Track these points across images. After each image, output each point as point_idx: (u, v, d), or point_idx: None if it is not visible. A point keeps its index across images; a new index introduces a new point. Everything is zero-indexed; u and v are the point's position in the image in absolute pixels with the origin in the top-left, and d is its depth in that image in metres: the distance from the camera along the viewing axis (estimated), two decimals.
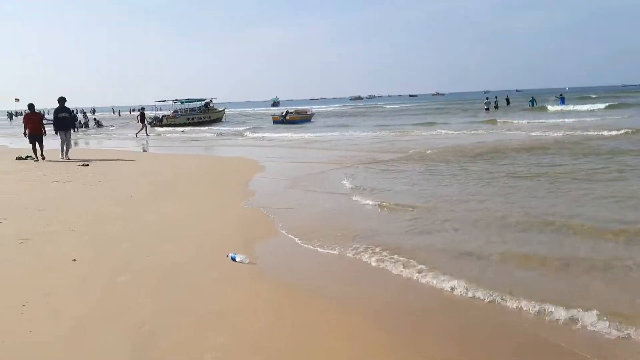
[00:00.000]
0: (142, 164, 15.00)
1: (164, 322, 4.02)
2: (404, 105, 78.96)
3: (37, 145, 15.92)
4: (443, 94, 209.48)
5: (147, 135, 31.64)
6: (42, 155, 15.98)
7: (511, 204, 7.90)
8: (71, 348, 3.59)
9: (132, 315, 4.12)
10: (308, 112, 45.77)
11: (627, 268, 4.96)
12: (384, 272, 5.20)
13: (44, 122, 16.79)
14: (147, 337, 3.74)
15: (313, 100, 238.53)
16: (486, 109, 44.84)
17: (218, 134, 31.91)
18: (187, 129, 36.75)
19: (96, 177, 11.93)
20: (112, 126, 44.28)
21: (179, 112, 45.78)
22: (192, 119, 44.57)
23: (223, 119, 47.97)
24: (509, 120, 30.75)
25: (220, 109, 49.70)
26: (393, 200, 8.43)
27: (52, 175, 12.18)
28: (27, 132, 15.99)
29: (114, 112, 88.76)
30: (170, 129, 38.96)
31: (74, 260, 5.53)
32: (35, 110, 16.48)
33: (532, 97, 49.90)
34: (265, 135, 29.07)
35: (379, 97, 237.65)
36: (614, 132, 18.41)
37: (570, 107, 41.39)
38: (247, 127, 37.27)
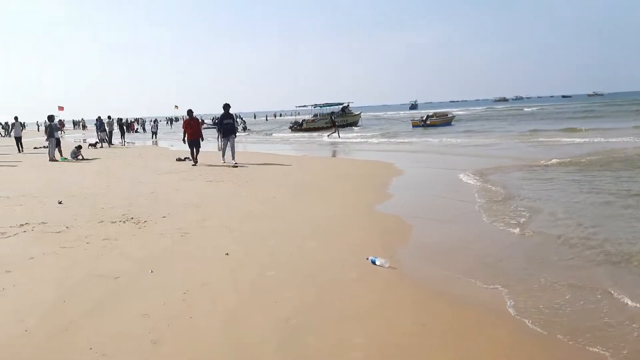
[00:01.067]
0: (289, 167, 15.73)
1: (308, 317, 4.17)
2: (557, 106, 72.90)
3: (195, 149, 16.44)
4: (602, 94, 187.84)
5: (339, 137, 32.53)
6: (196, 159, 16.40)
7: None
8: (226, 335, 3.88)
9: (279, 309, 4.33)
10: (449, 115, 44.50)
11: None
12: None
13: (203, 126, 18.08)
14: (293, 331, 3.91)
15: (453, 103, 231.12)
16: None
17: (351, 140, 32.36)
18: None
19: (244, 178, 12.80)
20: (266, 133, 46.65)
21: (318, 116, 47.36)
22: (330, 122, 45.77)
23: (359, 123, 48.60)
24: None
25: (357, 113, 50.41)
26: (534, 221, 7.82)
27: (207, 175, 13.32)
28: (185, 137, 16.55)
29: (254, 117, 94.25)
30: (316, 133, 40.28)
31: (227, 254, 5.97)
32: (194, 116, 17.21)
33: None
34: (405, 140, 28.80)
35: (527, 98, 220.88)
36: None
37: None
38: (382, 132, 37.23)
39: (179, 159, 18.06)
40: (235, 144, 16.89)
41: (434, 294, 4.76)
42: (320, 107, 48.73)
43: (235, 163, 15.83)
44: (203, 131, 18.05)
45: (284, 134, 41.62)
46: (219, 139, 16.63)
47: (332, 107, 48.72)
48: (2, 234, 7.00)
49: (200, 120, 18.17)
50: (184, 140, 16.67)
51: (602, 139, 19.90)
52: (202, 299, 4.62)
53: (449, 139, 25.72)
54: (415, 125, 40.74)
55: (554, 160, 14.06)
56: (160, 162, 18.35)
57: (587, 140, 20.36)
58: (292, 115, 49.37)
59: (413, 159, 18.03)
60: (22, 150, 25.32)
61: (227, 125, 16.43)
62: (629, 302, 4.30)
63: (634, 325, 3.89)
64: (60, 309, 4.42)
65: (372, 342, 3.72)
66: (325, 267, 5.50)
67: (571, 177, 11.09)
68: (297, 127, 44.92)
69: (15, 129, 28.04)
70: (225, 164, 15.90)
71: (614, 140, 19.37)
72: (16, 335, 3.88)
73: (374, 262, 5.50)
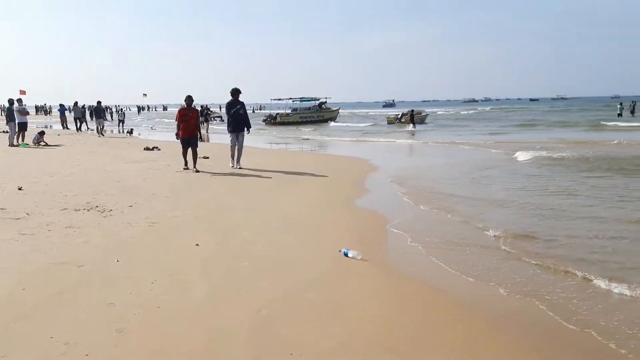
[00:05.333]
0: (258, 158, 15.50)
1: (281, 308, 4.07)
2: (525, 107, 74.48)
3: (190, 150, 12.27)
4: (565, 98, 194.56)
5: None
6: (194, 167, 12.21)
7: None
8: (195, 325, 3.75)
9: (250, 299, 4.22)
10: (422, 114, 44.94)
11: None
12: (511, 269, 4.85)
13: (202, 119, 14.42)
14: (265, 321, 3.81)
15: (425, 102, 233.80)
16: (619, 114, 40.97)
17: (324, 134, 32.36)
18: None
19: (216, 169, 12.55)
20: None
21: (293, 111, 47.14)
22: (306, 117, 45.64)
23: (337, 119, 48.60)
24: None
25: (334, 109, 50.38)
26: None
27: (177, 165, 13.03)
28: (179, 133, 12.27)
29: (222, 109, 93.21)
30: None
31: (197, 244, 5.81)
32: (193, 106, 12.63)
33: None
34: (381, 137, 28.92)
35: (496, 100, 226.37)
36: None
37: None
38: (358, 129, 37.36)
39: (147, 148, 17.66)
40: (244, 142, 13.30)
41: (407, 285, 4.73)
42: (301, 100, 48.56)
43: (240, 166, 12.86)
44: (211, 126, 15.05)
45: (259, 127, 41.32)
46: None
47: (309, 101, 48.58)
48: None
49: (198, 111, 13.97)
50: (177, 135, 12.44)
51: None
52: (170, 288, 4.47)
53: (425, 138, 25.99)
54: (390, 123, 41.24)
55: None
56: (127, 150, 17.92)
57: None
58: (280, 108, 48.71)
59: (388, 156, 18.09)
60: None
61: (237, 116, 12.77)
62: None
63: None
64: (19, 296, 4.21)
65: (346, 331, 3.65)
66: (299, 259, 5.41)
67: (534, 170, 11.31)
68: (271, 121, 44.64)
69: None
70: (236, 168, 12.76)
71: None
72: None
73: (346, 255, 5.44)
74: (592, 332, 3.69)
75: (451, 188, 9.94)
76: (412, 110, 39.95)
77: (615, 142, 19.37)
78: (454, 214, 7.53)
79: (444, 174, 12.22)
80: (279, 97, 48.56)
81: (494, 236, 6.28)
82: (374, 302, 4.28)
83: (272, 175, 11.70)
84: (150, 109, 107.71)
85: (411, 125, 36.49)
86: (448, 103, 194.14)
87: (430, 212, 7.80)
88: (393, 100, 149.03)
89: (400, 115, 41.54)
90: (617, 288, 4.48)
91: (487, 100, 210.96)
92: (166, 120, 51.53)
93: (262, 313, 3.94)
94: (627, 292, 4.39)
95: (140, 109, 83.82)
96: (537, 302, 4.27)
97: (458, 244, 6.03)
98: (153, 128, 39.17)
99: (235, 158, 12.96)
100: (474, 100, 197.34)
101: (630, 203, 8.19)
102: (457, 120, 49.77)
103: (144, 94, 72.49)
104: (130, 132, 28.08)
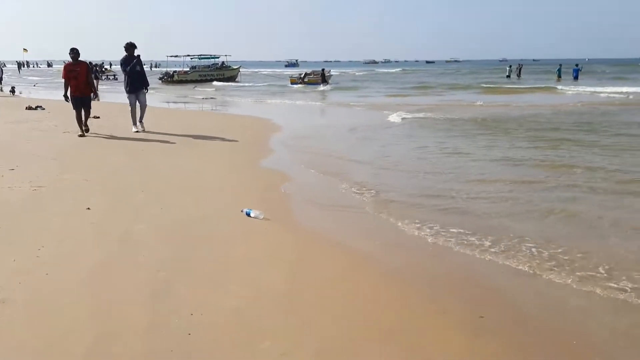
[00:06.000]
0: (154, 118, 14.78)
1: (180, 269, 3.99)
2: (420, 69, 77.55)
3: (84, 111, 11.00)
4: (459, 61, 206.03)
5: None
6: (86, 125, 11.16)
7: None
8: (88, 291, 3.57)
9: (148, 262, 4.10)
10: (326, 74, 45.10)
11: None
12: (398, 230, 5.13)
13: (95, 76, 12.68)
14: (164, 283, 3.72)
15: (327, 62, 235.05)
16: (507, 76, 44.03)
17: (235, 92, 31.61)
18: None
19: (109, 129, 11.83)
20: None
21: (192, 69, 45.34)
22: (205, 76, 44.14)
23: (238, 78, 47.48)
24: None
25: (235, 67, 49.13)
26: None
27: (64, 125, 12.10)
28: (69, 92, 10.84)
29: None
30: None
31: (88, 208, 5.50)
32: (80, 60, 10.98)
33: (560, 66, 45.69)
34: (284, 96, 28.73)
35: (395, 62, 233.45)
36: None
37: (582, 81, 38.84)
38: (260, 88, 36.90)
39: (29, 107, 16.21)
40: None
41: (309, 243, 4.82)
42: (200, 58, 46.70)
43: (144, 129, 11.84)
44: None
45: (155, 86, 39.30)
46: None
47: (209, 59, 46.91)
48: None
49: (89, 65, 11.85)
50: (65, 96, 10.91)
51: None
52: (60, 254, 4.21)
53: (327, 99, 26.22)
54: (293, 83, 41.05)
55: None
56: (6, 109, 16.32)
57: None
58: (178, 66, 46.25)
59: (292, 116, 18.10)
60: None
61: (134, 73, 11.56)
62: None
63: None
64: None
65: (249, 290, 3.66)
66: (199, 220, 5.31)
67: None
68: (168, 79, 42.65)
69: None
70: (138, 132, 11.63)
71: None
72: None
73: (248, 215, 5.42)
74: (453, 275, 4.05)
75: (343, 149, 10.19)
76: (323, 70, 40.12)
77: (479, 103, 21.04)
78: (344, 176, 7.70)
79: (339, 135, 12.46)
80: (176, 54, 46.41)
81: (373, 199, 6.53)
82: (276, 260, 4.32)
83: (170, 136, 11.26)
84: (32, 66, 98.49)
85: (323, 84, 36.82)
86: (349, 64, 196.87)
87: (326, 174, 7.93)
88: (296, 60, 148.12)
89: (303, 75, 41.45)
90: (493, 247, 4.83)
91: (387, 62, 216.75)
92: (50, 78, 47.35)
93: (159, 275, 3.84)
94: (495, 250, 4.65)
95: (20, 65, 76.20)
96: (420, 255, 4.57)
97: (346, 206, 6.14)
98: (36, 86, 35.91)
99: (137, 120, 11.81)
100: (375, 62, 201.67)
101: (509, 164, 8.85)
102: (357, 81, 50.68)
103: (24, 49, 65.76)
104: (12, 90, 25.43)
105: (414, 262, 4.40)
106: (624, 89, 26.01)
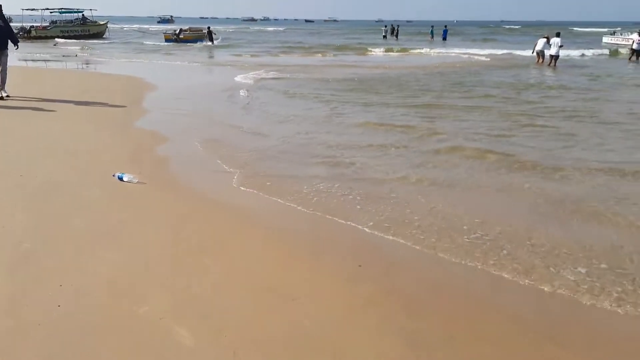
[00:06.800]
0: (12, 80, 13.24)
1: (47, 241, 3.73)
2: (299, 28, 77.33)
3: None
4: (337, 20, 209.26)
5: None
6: None
7: None
8: None
9: (7, 234, 3.77)
10: (203, 31, 43.22)
11: None
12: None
13: None
14: (27, 255, 3.47)
15: (203, 19, 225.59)
16: (384, 36, 45.48)
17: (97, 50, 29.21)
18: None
19: None
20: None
21: (52, 24, 41.06)
22: (68, 32, 40.25)
23: (105, 35, 43.90)
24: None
25: (102, 22, 45.32)
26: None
27: None
28: None
29: None
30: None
31: None
32: None
33: (432, 27, 48.67)
34: (160, 54, 27.14)
35: (274, 20, 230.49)
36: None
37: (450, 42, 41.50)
38: (131, 45, 34.50)
39: None
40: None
41: (188, 206, 4.72)
42: (60, 12, 42.26)
43: (7, 94, 10.15)
44: None
45: None
46: None
47: (71, 13, 42.71)
48: None
49: None
50: None
51: None
52: None
53: (207, 56, 25.24)
54: (167, 39, 38.87)
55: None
56: None
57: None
58: (36, 21, 41.27)
59: (167, 74, 17.24)
60: None
61: None
62: None
63: None
64: None
65: (125, 256, 3.54)
66: (67, 186, 4.96)
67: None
68: (25, 34, 38.25)
69: None
70: (6, 98, 10.05)
71: None
72: None
73: (121, 179, 5.17)
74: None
75: (219, 111, 10.04)
76: (209, 27, 38.60)
77: (353, 63, 21.62)
78: (220, 138, 7.59)
79: (215, 96, 12.16)
80: (32, 8, 41.61)
81: (249, 161, 6.58)
82: (153, 224, 4.20)
83: (32, 99, 10.22)
84: None
85: (207, 41, 35.88)
86: (227, 21, 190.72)
87: (202, 135, 7.75)
88: (170, 16, 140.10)
89: (178, 31, 39.41)
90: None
91: (265, 20, 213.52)
92: None
93: (23, 247, 3.57)
94: (371, 209, 5.03)
95: None
96: (300, 216, 4.70)
97: (221, 169, 6.03)
98: None
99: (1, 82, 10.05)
100: (253, 20, 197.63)
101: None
102: (237, 39, 49.35)
103: None
104: None
105: (294, 223, 4.48)
106: (487, 52, 28.07)
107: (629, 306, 3.12)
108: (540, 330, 2.85)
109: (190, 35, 39.13)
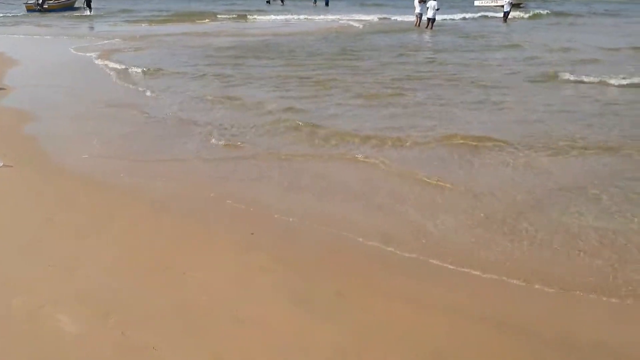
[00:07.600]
0: None
1: None
2: None
3: None
4: None
5: None
6: None
7: None
8: None
9: None
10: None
11: None
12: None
13: None
14: None
15: None
16: (267, 2, 44.65)
17: None
18: None
19: None
20: None
21: None
22: None
23: None
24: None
25: None
26: None
27: None
28: None
29: None
30: None
31: None
32: None
33: None
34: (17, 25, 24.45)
35: None
36: None
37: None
38: None
39: None
40: None
41: (60, 186, 4.42)
42: None
43: None
44: None
45: None
46: None
47: None
48: None
49: None
50: None
51: None
52: None
53: (76, 27, 23.16)
54: (30, 10, 34.82)
55: None
56: None
57: None
58: None
59: (31, 48, 15.62)
60: None
61: None
62: None
63: None
64: None
65: None
66: None
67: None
68: None
69: None
70: None
71: None
72: None
73: None
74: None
75: (90, 85, 9.38)
76: None
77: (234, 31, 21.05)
78: (92, 115, 7.14)
79: (82, 70, 11.25)
80: None
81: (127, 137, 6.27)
82: (23, 209, 3.90)
83: None
84: None
85: (88, 10, 32.97)
86: None
87: (71, 112, 7.20)
88: None
89: (41, 1, 35.52)
90: None
91: None
92: None
93: None
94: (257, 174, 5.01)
95: None
96: (188, 186, 4.56)
97: (97, 144, 5.79)
98: None
99: None
100: None
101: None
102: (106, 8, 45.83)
103: None
104: None
105: (180, 194, 4.30)
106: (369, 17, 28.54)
107: None
108: (399, 268, 3.07)
109: (55, 5, 35.49)
